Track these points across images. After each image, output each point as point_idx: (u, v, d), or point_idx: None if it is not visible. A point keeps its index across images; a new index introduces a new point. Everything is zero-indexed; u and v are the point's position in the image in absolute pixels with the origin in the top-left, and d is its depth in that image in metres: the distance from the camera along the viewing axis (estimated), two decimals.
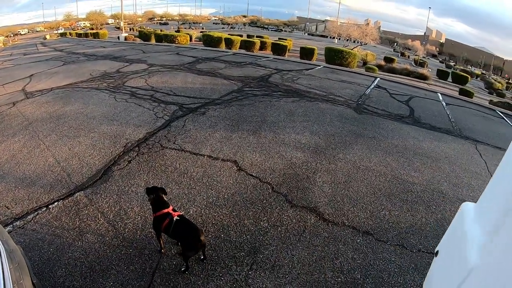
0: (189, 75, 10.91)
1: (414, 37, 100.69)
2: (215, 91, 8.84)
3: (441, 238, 3.86)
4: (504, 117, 14.80)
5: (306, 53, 20.65)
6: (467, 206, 1.99)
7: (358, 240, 3.58)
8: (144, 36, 32.31)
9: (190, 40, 28.10)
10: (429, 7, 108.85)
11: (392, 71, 22.35)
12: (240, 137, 5.85)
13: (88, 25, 76.35)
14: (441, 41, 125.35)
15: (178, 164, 4.76)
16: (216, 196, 4.05)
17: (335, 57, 18.98)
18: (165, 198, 3.07)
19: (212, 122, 6.49)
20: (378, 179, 5.03)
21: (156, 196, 3.02)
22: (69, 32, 52.46)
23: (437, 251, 2.08)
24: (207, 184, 4.29)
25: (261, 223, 3.64)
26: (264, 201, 4.02)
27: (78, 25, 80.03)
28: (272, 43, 23.95)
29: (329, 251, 3.37)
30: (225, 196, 4.05)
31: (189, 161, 4.86)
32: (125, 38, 32.85)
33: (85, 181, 4.32)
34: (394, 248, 3.56)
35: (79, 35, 44.75)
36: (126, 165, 4.73)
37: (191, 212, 3.72)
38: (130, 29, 59.69)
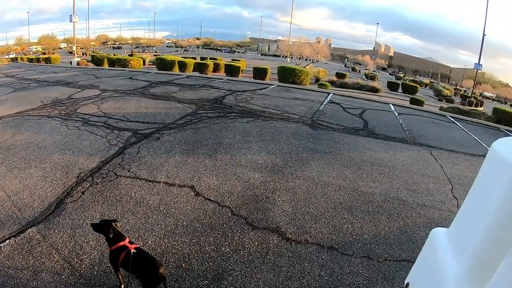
0: (142, 99, 10.84)
1: (364, 52, 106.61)
2: (169, 115, 8.85)
3: (405, 245, 4.12)
4: (455, 121, 15.93)
5: (259, 73, 21.27)
6: (438, 233, 1.88)
7: (324, 256, 3.67)
8: (97, 60, 32.04)
9: (144, 64, 28.01)
10: (377, 23, 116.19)
11: (344, 86, 23.47)
12: (196, 161, 5.86)
13: (40, 49, 73.66)
14: (390, 55, 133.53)
15: (134, 192, 4.68)
16: (175, 224, 4.01)
17: (288, 75, 19.73)
18: (119, 230, 3.01)
19: (167, 147, 6.47)
20: (338, 193, 5.22)
21: (109, 229, 2.95)
22: (21, 57, 50.20)
23: (407, 284, 1.99)
24: (164, 212, 4.24)
25: (223, 248, 3.64)
26: (224, 226, 4.04)
27: (30, 49, 76.89)
28: (225, 64, 24.44)
29: (295, 271, 3.42)
30: (184, 223, 4.02)
31: (144, 189, 4.79)
32: (78, 63, 32.08)
33: (37, 215, 4.12)
34: (361, 260, 3.69)
35: (30, 60, 42.95)
36: (80, 196, 4.57)
37: (150, 242, 3.65)
38: (83, 54, 58.42)
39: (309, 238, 3.95)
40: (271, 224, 4.16)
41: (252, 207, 4.49)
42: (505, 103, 50.52)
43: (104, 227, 2.98)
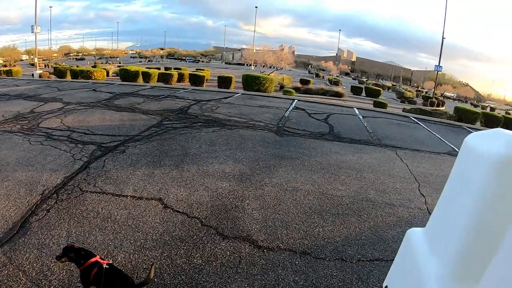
0: (107, 112, 10.55)
1: (327, 58, 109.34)
2: (134, 127, 8.65)
3: (377, 245, 4.15)
4: (418, 122, 16.49)
5: (224, 81, 21.34)
6: (414, 234, 1.84)
7: (297, 262, 3.64)
8: (59, 72, 31.08)
9: (107, 75, 27.38)
10: (339, 30, 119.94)
11: (309, 92, 23.85)
12: (163, 173, 5.72)
13: (1, 61, 70.54)
14: (353, 60, 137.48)
15: (100, 208, 4.49)
16: (144, 238, 3.86)
17: (252, 83, 19.90)
18: (86, 248, 2.86)
19: (133, 160, 6.29)
20: (307, 198, 5.23)
21: (75, 251, 2.79)
22: None
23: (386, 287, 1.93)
24: (133, 226, 4.09)
25: (195, 260, 3.54)
26: (195, 237, 3.93)
27: None
28: (190, 74, 24.30)
29: (269, 279, 3.37)
30: (154, 237, 3.89)
31: (111, 204, 4.61)
32: (40, 75, 30.85)
33: (2, 236, 3.86)
34: (334, 262, 3.69)
35: None
36: (45, 214, 4.33)
37: (119, 259, 3.49)
38: (45, 66, 56.23)
39: (281, 245, 3.92)
40: (242, 232, 4.09)
41: (221, 217, 4.41)
42: (466, 102, 53.08)
43: (71, 253, 2.82)
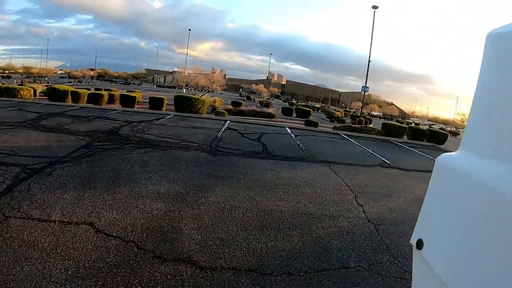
0: (32, 132, 9.70)
1: (258, 82, 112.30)
2: (62, 148, 8.03)
3: (322, 255, 4.19)
4: (348, 138, 17.38)
5: (156, 103, 20.92)
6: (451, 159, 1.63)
7: (243, 280, 3.53)
8: None
9: (35, 94, 25.27)
10: (270, 54, 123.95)
11: (241, 113, 24.12)
12: (93, 196, 5.31)
13: None
14: (283, 83, 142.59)
15: (26, 235, 4.00)
16: (76, 266, 3.50)
17: (184, 105, 19.80)
18: None
19: (60, 183, 5.77)
20: (246, 215, 5.18)
21: None
22: None
23: (419, 242, 1.63)
24: (62, 254, 3.69)
25: (133, 287, 3.28)
26: (131, 262, 3.65)
27: None
28: (121, 95, 23.40)
29: None
30: (86, 265, 3.54)
31: (38, 230, 4.13)
32: None
33: None
34: (281, 277, 3.63)
35: None
36: None
37: None
38: None
39: (224, 264, 3.78)
40: (181, 254, 3.90)
41: (159, 239, 4.17)
42: (391, 119, 56.91)
43: None
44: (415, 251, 1.65)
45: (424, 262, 1.55)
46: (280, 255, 4.11)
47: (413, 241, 1.67)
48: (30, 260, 3.52)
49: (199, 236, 4.34)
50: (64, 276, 3.32)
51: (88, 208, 4.84)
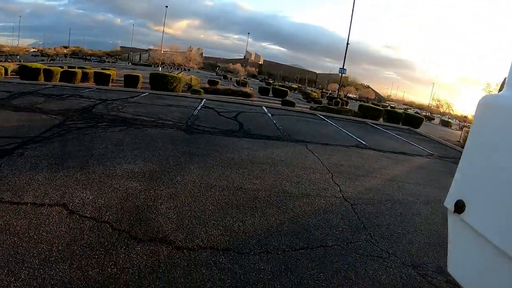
0: (3, 112, 9.23)
1: (235, 61, 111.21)
2: (34, 128, 7.68)
3: (300, 234, 4.17)
4: (325, 119, 17.49)
5: (131, 81, 20.40)
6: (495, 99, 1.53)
7: (221, 259, 3.47)
8: None
9: (6, 73, 24.07)
10: (248, 33, 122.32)
11: (217, 92, 23.83)
12: (66, 176, 5.10)
13: None
14: (260, 63, 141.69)
15: None
16: (49, 249, 3.35)
17: (160, 82, 19.43)
18: None
19: (32, 164, 5.51)
20: (223, 193, 5.11)
21: None
22: None
23: (460, 203, 1.46)
24: (35, 237, 3.52)
25: (109, 269, 3.16)
26: (106, 243, 3.53)
27: None
28: (95, 72, 22.59)
29: (194, 280, 3.15)
30: (60, 248, 3.39)
31: (9, 213, 3.93)
32: None
33: None
34: (260, 256, 3.60)
35: None
36: None
37: (23, 276, 2.97)
38: None
39: (201, 243, 3.71)
40: (157, 234, 3.79)
41: (134, 219, 4.05)
42: (367, 102, 57.52)
43: None
44: (453, 216, 1.52)
45: (466, 226, 1.41)
46: (258, 233, 4.07)
47: (449, 204, 1.53)
48: (1, 245, 3.36)
49: (175, 215, 4.24)
50: (37, 261, 3.18)
51: (61, 189, 4.64)
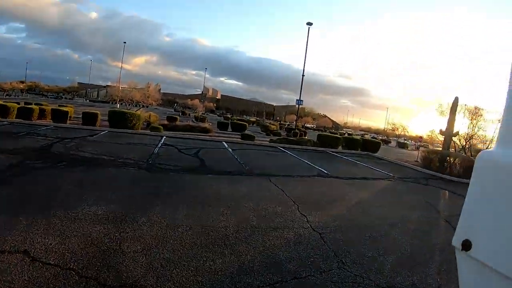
0: None
1: (193, 97, 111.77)
2: None
3: (272, 268, 4.14)
4: (285, 150, 17.74)
5: (89, 118, 19.82)
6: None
7: None
8: None
9: None
10: (205, 68, 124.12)
11: (176, 128, 23.69)
12: (26, 220, 4.78)
13: None
14: (218, 98, 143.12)
15: None
16: None
17: (119, 120, 19.06)
18: None
19: None
20: (190, 233, 5.00)
21: None
22: None
23: (466, 243, 1.61)
24: None
25: None
26: None
27: None
28: (52, 109, 21.66)
29: None
30: None
31: None
32: None
33: None
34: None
35: None
36: None
37: None
38: None
39: (173, 286, 3.59)
40: (127, 279, 3.62)
41: (101, 265, 3.84)
42: (325, 130, 59.00)
43: None
44: (461, 253, 1.64)
45: (474, 261, 1.56)
46: (230, 271, 4.00)
47: (456, 244, 1.66)
48: None
49: (144, 258, 4.08)
50: None
51: (21, 235, 4.36)
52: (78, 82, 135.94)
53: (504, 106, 1.67)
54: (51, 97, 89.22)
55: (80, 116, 20.31)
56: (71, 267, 3.72)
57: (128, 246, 4.34)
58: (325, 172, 12.05)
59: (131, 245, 4.39)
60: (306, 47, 34.52)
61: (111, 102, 58.19)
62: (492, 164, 1.62)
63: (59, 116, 20.26)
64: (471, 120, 22.94)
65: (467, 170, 16.29)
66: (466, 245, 1.58)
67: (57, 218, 4.99)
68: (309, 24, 34.03)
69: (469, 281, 1.67)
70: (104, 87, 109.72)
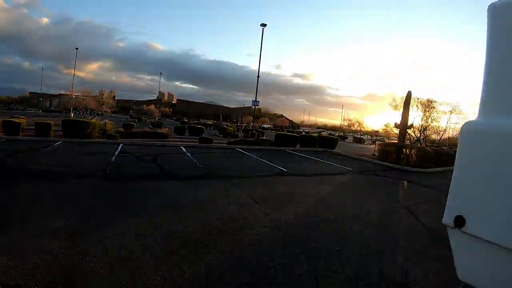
0: None
1: (148, 102, 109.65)
2: None
3: (242, 272, 4.11)
4: (244, 151, 17.78)
5: (43, 129, 18.77)
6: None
7: None
8: None
9: None
10: (160, 73, 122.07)
11: (133, 135, 23.09)
12: None
13: None
14: (174, 102, 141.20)
15: None
16: None
17: (73, 129, 18.28)
18: None
19: None
20: (154, 241, 4.87)
21: None
22: None
23: (459, 218, 1.64)
24: None
25: None
26: None
27: None
28: (4, 121, 20.16)
29: None
30: None
31: None
32: None
33: None
34: None
35: None
36: None
37: None
38: None
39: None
40: None
41: (64, 282, 3.63)
42: (282, 130, 59.59)
43: None
44: (454, 231, 1.67)
45: (468, 237, 1.58)
46: (199, 275, 3.94)
47: (448, 221, 1.69)
48: None
49: (108, 273, 3.92)
50: None
51: None
52: (29, 92, 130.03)
53: (483, 76, 1.76)
54: (2, 109, 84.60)
55: (33, 127, 19.39)
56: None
57: (91, 261, 4.12)
58: (285, 171, 12.18)
59: (93, 260, 4.17)
60: (261, 48, 34.85)
61: (64, 111, 56.00)
62: (478, 134, 1.65)
63: (11, 128, 19.14)
64: (424, 112, 23.88)
65: (423, 159, 17.04)
66: (459, 222, 1.61)
67: (10, 236, 4.63)
68: (263, 25, 34.37)
69: (465, 258, 1.70)
70: (57, 96, 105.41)
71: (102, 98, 43.15)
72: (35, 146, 13.92)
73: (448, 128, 25.03)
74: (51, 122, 19.74)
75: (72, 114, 45.78)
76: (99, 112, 42.68)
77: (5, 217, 5.43)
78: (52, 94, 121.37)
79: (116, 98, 67.55)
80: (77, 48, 67.84)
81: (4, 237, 4.61)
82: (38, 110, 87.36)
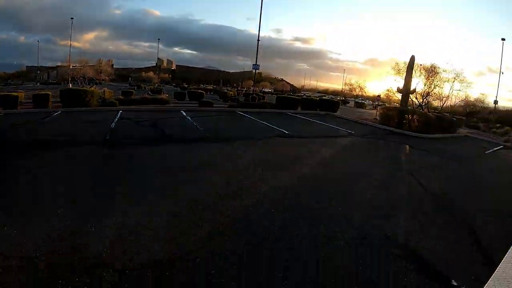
0: None
1: (147, 69, 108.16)
2: None
3: (245, 230, 4.02)
4: (245, 114, 17.55)
5: (41, 100, 18.54)
6: None
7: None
8: None
9: None
10: (158, 39, 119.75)
11: (133, 102, 22.86)
12: None
13: None
14: (173, 68, 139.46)
15: None
16: None
17: (73, 98, 18.02)
18: None
19: None
20: (167, 203, 4.77)
21: None
22: None
23: None
24: None
25: None
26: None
27: None
28: (1, 96, 20.10)
29: None
30: None
31: None
32: None
33: None
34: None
35: None
36: None
37: None
38: None
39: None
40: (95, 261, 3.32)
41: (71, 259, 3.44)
42: (283, 94, 59.03)
43: None
44: None
45: None
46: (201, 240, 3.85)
47: None
48: None
49: (114, 236, 3.79)
50: None
51: None
52: (26, 66, 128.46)
53: None
54: None
55: (31, 100, 19.19)
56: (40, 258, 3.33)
57: (102, 228, 4.01)
58: (286, 133, 12.03)
59: (105, 227, 4.07)
60: (260, 11, 33.85)
61: (62, 83, 55.35)
62: None
63: (8, 102, 18.93)
64: (428, 78, 23.40)
65: (425, 125, 16.82)
66: None
67: (17, 212, 4.46)
68: None
69: None
70: (55, 68, 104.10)
71: (100, 67, 42.56)
72: (33, 118, 13.65)
73: (451, 95, 24.67)
74: (49, 93, 19.51)
75: (70, 84, 45.31)
76: (97, 81, 42.24)
77: (7, 192, 5.20)
78: (49, 67, 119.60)
79: (114, 67, 66.56)
80: (72, 18, 66.24)
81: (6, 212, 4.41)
82: (36, 84, 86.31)
